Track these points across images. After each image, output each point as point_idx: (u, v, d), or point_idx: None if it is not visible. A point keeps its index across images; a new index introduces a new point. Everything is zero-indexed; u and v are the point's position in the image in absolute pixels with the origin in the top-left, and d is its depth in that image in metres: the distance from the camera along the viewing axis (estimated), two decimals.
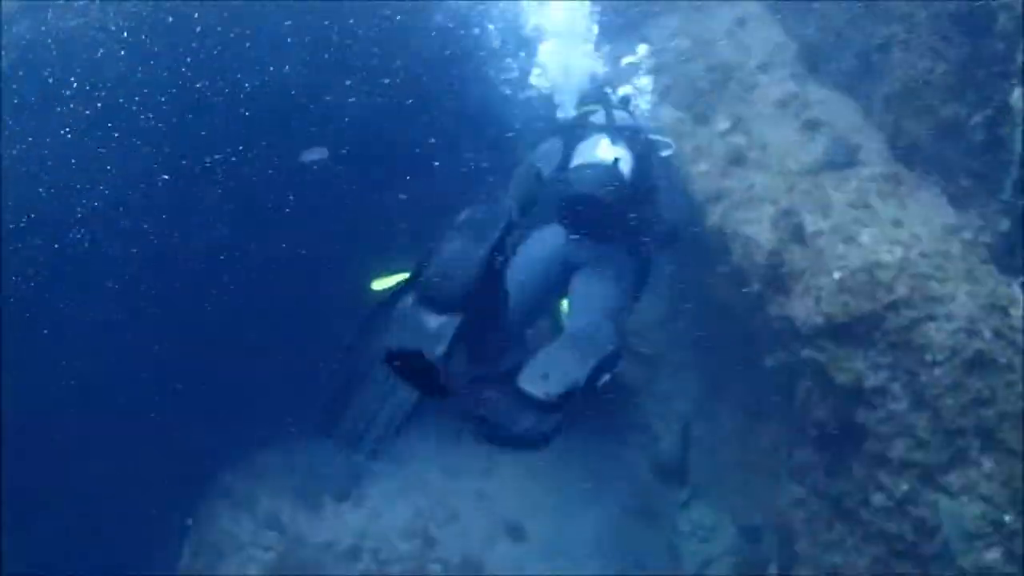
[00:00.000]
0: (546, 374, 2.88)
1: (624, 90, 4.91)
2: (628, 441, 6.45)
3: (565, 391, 2.84)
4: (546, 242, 3.84)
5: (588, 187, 3.63)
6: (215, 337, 5.02)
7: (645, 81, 5.31)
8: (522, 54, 5.24)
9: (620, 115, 4.31)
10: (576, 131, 4.12)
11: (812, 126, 5.19)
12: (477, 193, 4.54)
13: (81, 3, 4.75)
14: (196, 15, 4.73)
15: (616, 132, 3.98)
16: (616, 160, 3.74)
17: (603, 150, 3.79)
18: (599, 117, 4.21)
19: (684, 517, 5.91)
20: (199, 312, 5.07)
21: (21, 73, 4.70)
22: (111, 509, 5.01)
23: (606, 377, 3.13)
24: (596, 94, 4.67)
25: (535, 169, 3.86)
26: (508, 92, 5.14)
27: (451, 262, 2.85)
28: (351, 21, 5.01)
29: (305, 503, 5.38)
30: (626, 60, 5.40)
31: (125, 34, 4.68)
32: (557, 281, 3.81)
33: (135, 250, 4.87)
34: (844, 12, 5.35)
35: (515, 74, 5.18)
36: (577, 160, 3.81)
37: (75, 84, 4.65)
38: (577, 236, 3.76)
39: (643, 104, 5.12)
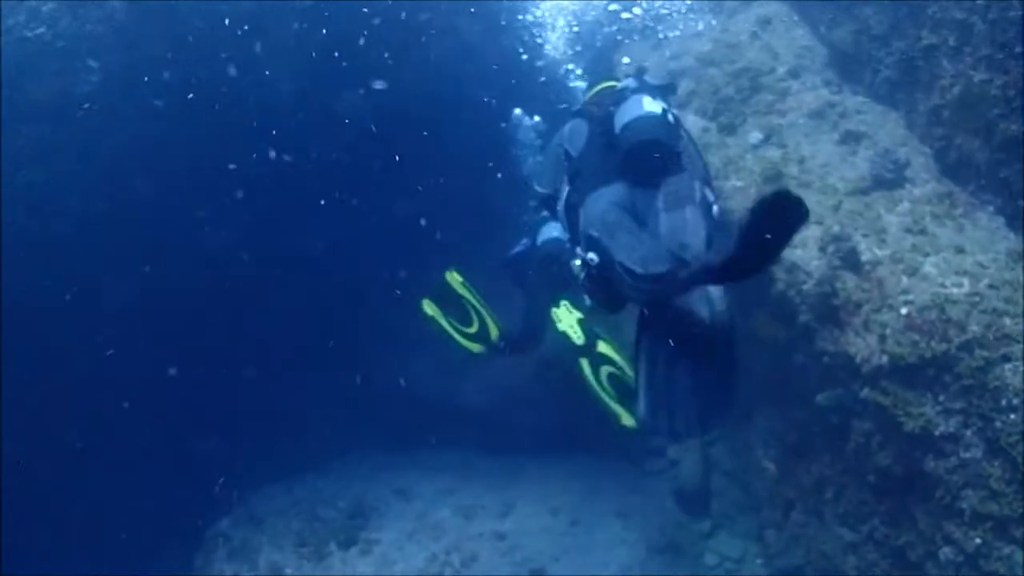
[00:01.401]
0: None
1: None
2: (647, 469, 6.14)
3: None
4: (611, 199, 3.83)
5: (651, 134, 3.75)
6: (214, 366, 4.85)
7: None
8: None
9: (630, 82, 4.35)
10: (597, 110, 4.19)
11: (853, 138, 4.83)
12: None
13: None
14: None
15: (653, 91, 4.08)
16: (664, 110, 3.85)
17: (649, 104, 3.89)
18: (631, 82, 4.30)
19: (710, 549, 5.66)
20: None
21: None
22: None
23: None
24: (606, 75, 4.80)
25: (562, 149, 4.05)
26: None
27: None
28: None
29: (309, 552, 4.93)
30: None
31: None
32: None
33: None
34: (884, 15, 4.96)
35: None
36: (625, 118, 3.87)
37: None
38: (642, 185, 3.78)
39: None
